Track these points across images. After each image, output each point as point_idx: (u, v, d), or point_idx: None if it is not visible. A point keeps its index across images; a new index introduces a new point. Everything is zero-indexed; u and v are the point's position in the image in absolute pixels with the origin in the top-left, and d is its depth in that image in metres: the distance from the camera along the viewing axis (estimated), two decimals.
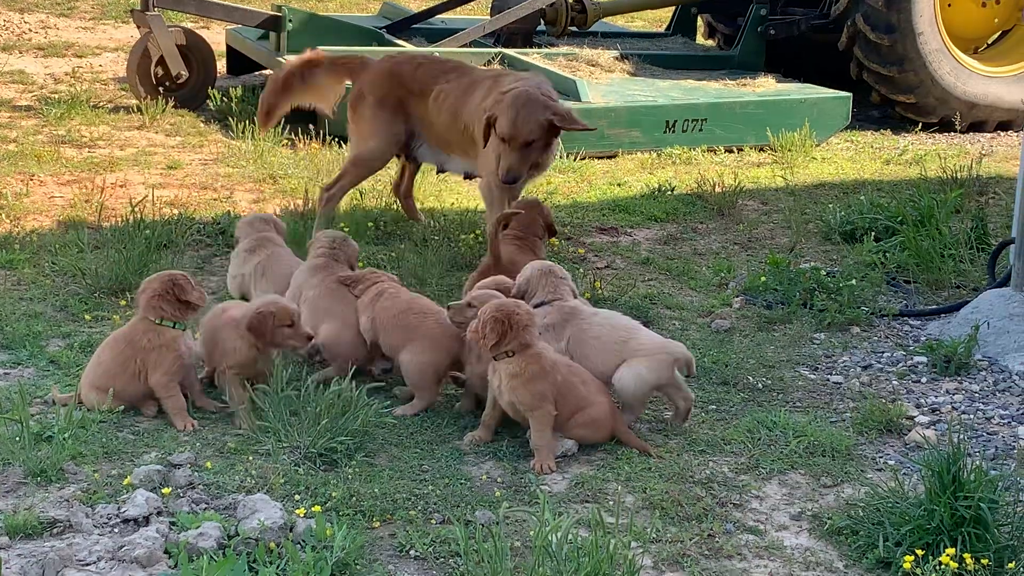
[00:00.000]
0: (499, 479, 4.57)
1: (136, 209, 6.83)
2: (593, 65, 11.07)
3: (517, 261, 5.89)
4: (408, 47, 10.57)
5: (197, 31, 11.70)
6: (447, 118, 6.93)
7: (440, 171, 7.46)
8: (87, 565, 3.83)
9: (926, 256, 7.01)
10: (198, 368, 5.19)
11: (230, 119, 9.94)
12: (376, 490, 4.38)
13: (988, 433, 5.17)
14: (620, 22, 14.65)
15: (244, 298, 5.87)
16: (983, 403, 5.49)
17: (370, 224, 7.34)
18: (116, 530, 4.06)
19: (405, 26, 11.97)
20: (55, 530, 4.06)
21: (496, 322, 4.72)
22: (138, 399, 4.98)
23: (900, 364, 5.89)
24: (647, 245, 7.65)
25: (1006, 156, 10.56)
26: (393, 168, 7.74)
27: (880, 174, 9.79)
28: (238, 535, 3.97)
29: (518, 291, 5.30)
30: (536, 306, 5.15)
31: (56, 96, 10.87)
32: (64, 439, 4.57)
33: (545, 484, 4.54)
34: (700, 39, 13.95)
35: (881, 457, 4.92)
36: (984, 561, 3.90)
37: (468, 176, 7.43)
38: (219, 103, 10.42)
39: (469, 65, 7.54)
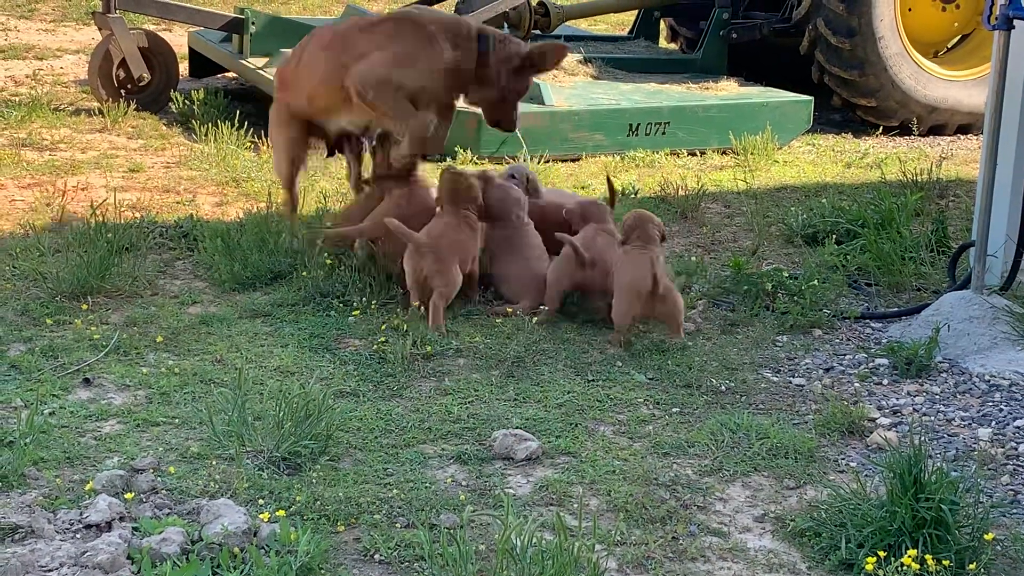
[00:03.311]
0: (463, 482, 4.57)
1: (97, 212, 6.79)
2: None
3: None
4: None
5: (159, 33, 11.66)
6: None
7: None
8: (49, 571, 3.80)
9: (887, 259, 7.05)
10: None
11: (192, 122, 9.92)
12: (340, 494, 4.37)
13: (949, 435, 5.21)
14: (583, 26, 14.68)
15: None
16: (944, 405, 5.52)
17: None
18: (78, 536, 4.03)
19: None
20: (16, 536, 4.02)
21: None
22: None
23: (862, 366, 5.92)
24: None
25: (965, 159, 10.64)
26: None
27: (841, 177, 9.86)
28: (201, 540, 3.95)
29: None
30: None
31: (17, 99, 10.80)
32: (25, 444, 4.53)
33: (510, 488, 4.54)
34: (663, 43, 14.01)
35: (843, 459, 4.95)
36: (945, 562, 3.92)
37: None
38: (181, 106, 10.38)
39: None
